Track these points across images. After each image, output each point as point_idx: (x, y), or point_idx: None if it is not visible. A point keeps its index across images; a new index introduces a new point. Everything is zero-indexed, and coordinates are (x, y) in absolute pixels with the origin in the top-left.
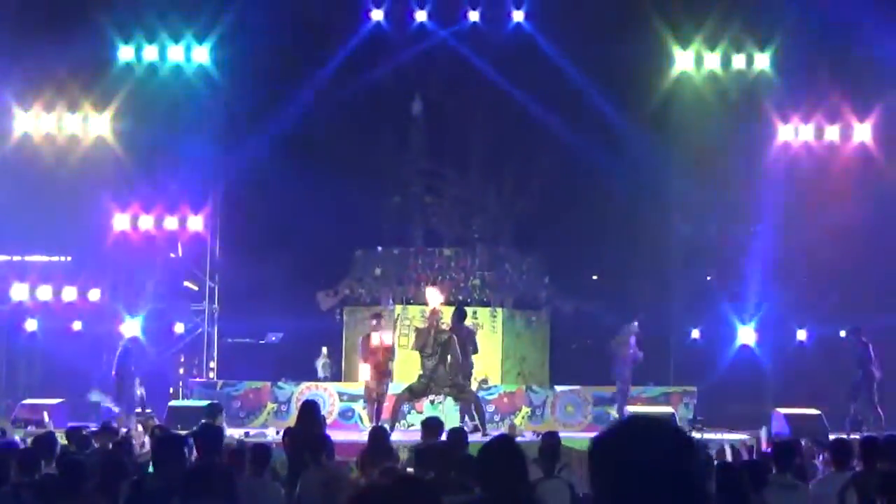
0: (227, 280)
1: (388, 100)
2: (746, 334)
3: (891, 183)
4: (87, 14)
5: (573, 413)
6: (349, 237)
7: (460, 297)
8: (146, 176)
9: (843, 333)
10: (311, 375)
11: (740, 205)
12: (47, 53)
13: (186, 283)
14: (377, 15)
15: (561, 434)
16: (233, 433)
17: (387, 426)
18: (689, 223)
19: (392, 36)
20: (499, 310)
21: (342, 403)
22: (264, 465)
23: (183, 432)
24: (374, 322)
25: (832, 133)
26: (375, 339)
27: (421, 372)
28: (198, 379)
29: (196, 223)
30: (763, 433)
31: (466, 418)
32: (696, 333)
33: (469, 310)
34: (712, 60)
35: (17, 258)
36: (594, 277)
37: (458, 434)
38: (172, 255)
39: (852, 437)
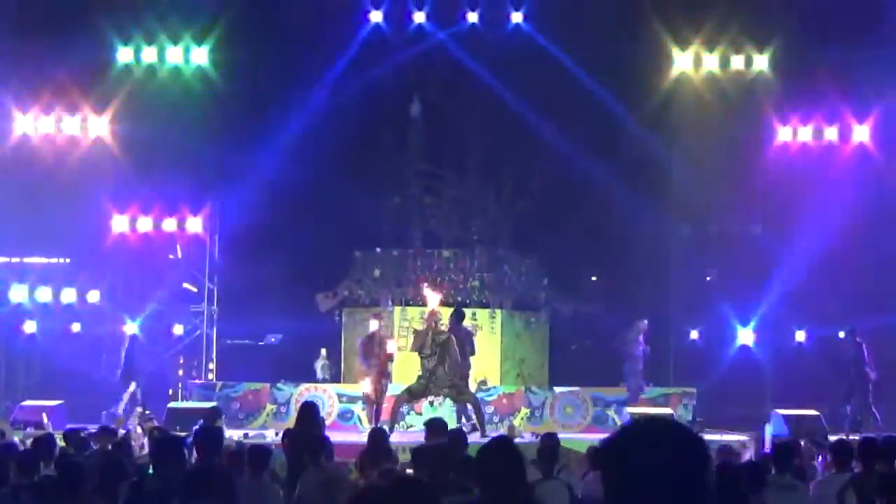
0: (226, 281)
1: (386, 101)
2: (746, 335)
3: (889, 183)
4: (86, 16)
5: (572, 414)
6: (348, 238)
7: (459, 299)
8: (145, 177)
9: (841, 334)
10: (311, 377)
11: (740, 205)
12: (46, 55)
13: (185, 285)
14: (376, 16)
15: (560, 435)
16: (232, 434)
17: (386, 427)
18: (688, 223)
19: (391, 37)
20: (498, 311)
21: (341, 405)
22: (263, 466)
23: (182, 434)
24: (374, 323)
25: (831, 134)
26: (375, 340)
27: (420, 373)
28: (197, 380)
29: (195, 225)
30: (767, 431)
31: (463, 419)
32: (695, 334)
33: (468, 311)
34: (711, 61)
35: (16, 260)
36: (593, 279)
37: (457, 435)
38: (171, 256)
39: (852, 437)
